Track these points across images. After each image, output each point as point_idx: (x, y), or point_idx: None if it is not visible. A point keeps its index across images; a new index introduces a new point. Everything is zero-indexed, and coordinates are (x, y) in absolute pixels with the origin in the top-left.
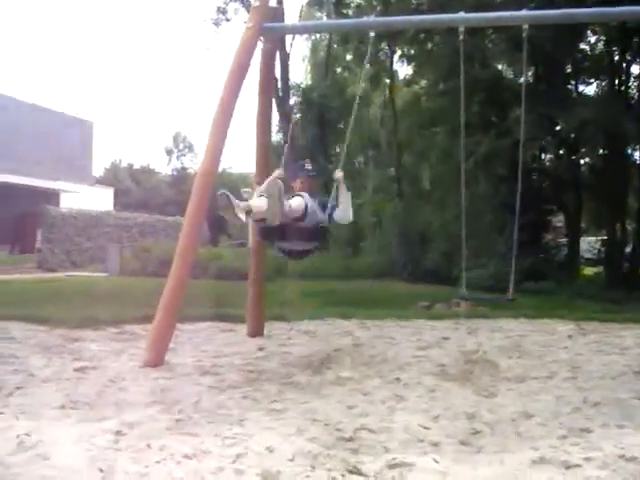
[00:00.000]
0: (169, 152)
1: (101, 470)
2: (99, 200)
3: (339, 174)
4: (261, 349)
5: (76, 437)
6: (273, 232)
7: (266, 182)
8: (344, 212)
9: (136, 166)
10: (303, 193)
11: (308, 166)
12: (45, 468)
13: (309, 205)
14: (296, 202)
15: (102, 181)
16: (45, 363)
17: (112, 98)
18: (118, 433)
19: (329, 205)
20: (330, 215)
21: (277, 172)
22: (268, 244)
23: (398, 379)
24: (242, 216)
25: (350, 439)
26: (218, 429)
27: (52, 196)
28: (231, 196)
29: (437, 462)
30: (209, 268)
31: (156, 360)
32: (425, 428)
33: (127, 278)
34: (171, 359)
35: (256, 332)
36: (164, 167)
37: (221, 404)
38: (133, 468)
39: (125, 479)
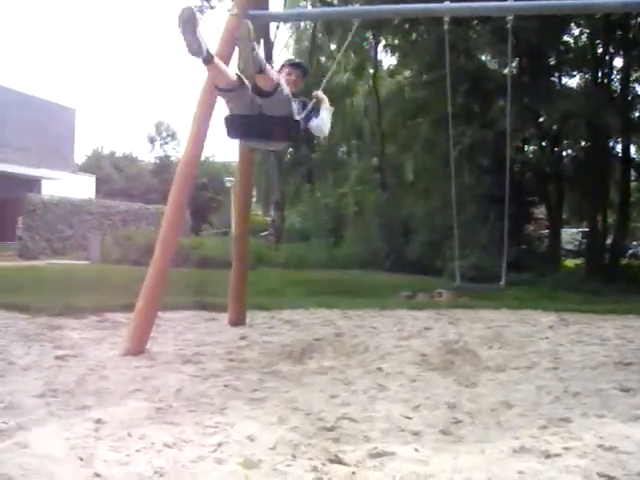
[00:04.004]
0: (152, 140)
1: (81, 458)
2: (81, 188)
3: (319, 92)
4: (243, 338)
5: (56, 425)
6: (240, 123)
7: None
8: (322, 123)
9: (118, 154)
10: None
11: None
12: (24, 456)
13: (282, 82)
14: (270, 69)
15: (84, 168)
16: (25, 351)
17: (95, 85)
18: (98, 421)
19: (305, 110)
20: (307, 120)
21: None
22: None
23: (380, 369)
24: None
25: (331, 428)
26: (199, 418)
27: (33, 183)
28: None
29: (418, 451)
30: (191, 256)
31: (137, 348)
32: (406, 417)
33: (109, 266)
34: (152, 348)
35: (238, 321)
36: (146, 155)
37: (202, 393)
38: (113, 457)
39: (105, 468)
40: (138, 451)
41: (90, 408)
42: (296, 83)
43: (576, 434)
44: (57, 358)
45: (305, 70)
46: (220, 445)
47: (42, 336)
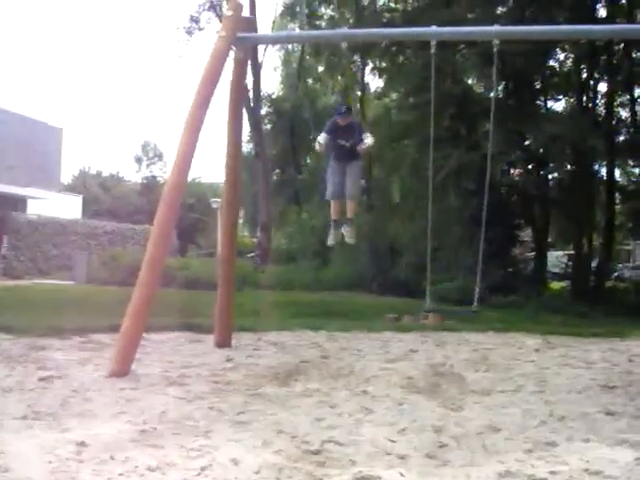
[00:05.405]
0: (138, 160)
1: None
2: (67, 207)
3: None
4: (228, 360)
5: (38, 448)
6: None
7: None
8: (370, 140)
9: (105, 174)
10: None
11: (341, 107)
12: None
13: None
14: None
15: (70, 188)
16: (8, 372)
17: (82, 105)
18: (81, 444)
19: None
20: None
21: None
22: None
23: (365, 392)
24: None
25: (317, 452)
26: (183, 441)
27: (19, 202)
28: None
29: (403, 475)
30: (177, 277)
31: (122, 370)
32: (392, 441)
33: (94, 286)
34: (137, 369)
35: (224, 343)
36: (133, 175)
37: (187, 415)
38: None
39: None
40: (121, 475)
41: (73, 430)
42: (346, 117)
43: (562, 458)
44: (41, 379)
45: (343, 109)
46: (204, 469)
47: (26, 357)
